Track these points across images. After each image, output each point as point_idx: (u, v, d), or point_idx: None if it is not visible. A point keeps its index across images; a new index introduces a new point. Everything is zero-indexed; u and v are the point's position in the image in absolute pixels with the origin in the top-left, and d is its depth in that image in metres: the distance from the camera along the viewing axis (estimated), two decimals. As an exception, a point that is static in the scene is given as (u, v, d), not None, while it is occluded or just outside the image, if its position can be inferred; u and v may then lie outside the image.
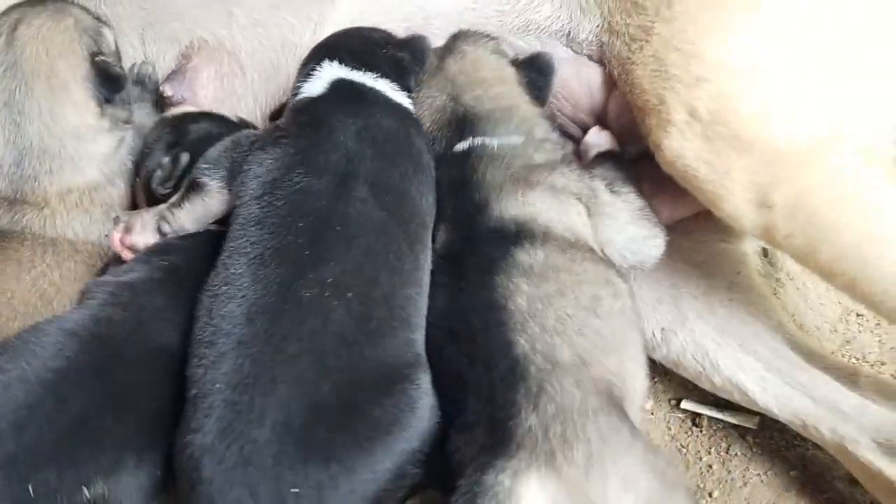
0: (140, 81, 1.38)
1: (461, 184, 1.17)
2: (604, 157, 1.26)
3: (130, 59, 1.41)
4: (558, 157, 1.20)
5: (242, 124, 1.32)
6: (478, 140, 1.20)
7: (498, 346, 0.99)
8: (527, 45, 1.35)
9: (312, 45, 1.31)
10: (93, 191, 1.30)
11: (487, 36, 1.30)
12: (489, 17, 1.33)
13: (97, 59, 1.31)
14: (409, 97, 1.23)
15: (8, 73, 1.27)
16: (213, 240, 1.08)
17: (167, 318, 1.02)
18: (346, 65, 1.20)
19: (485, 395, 0.97)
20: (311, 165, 1.06)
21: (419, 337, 1.02)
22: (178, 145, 1.24)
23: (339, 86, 1.18)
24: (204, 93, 1.38)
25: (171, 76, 1.39)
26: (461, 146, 1.20)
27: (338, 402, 0.91)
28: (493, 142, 1.19)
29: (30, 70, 1.27)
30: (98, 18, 1.36)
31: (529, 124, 1.23)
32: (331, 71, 1.19)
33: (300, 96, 1.19)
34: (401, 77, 1.23)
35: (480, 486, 0.89)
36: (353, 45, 1.24)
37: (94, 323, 0.98)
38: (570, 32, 1.32)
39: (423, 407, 0.96)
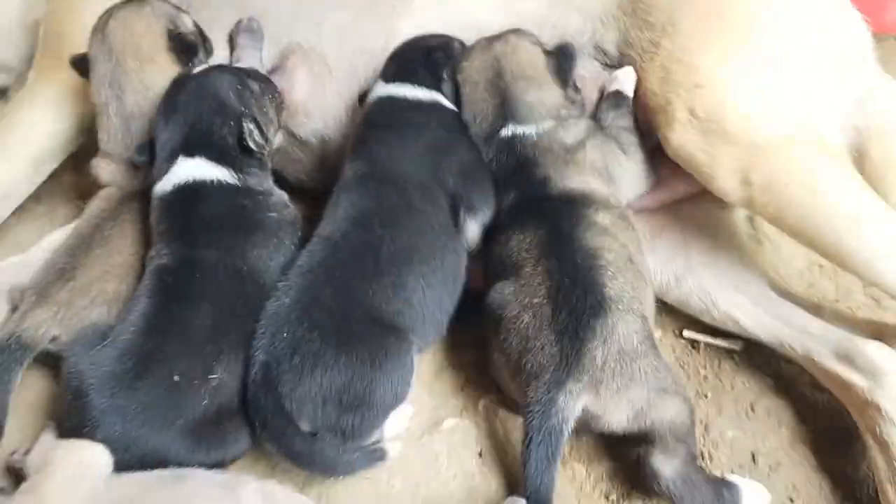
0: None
1: (519, 166, 1.33)
2: (618, 99, 1.38)
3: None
4: (583, 133, 1.35)
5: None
6: (519, 129, 1.35)
7: (593, 283, 1.14)
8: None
9: (385, 53, 1.46)
10: None
11: (530, 33, 1.44)
12: (530, 30, 1.45)
13: (173, 33, 1.44)
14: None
15: (106, 58, 1.42)
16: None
17: None
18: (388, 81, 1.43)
19: (567, 320, 1.12)
20: None
21: None
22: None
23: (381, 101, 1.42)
24: (299, 87, 1.52)
25: (274, 71, 1.52)
26: (506, 133, 1.35)
27: None
28: (531, 130, 1.35)
29: (120, 51, 1.42)
30: (178, 8, 1.49)
31: (556, 106, 1.36)
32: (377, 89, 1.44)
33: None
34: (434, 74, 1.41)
35: (553, 404, 1.07)
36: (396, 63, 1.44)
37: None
38: (597, 44, 1.47)
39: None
